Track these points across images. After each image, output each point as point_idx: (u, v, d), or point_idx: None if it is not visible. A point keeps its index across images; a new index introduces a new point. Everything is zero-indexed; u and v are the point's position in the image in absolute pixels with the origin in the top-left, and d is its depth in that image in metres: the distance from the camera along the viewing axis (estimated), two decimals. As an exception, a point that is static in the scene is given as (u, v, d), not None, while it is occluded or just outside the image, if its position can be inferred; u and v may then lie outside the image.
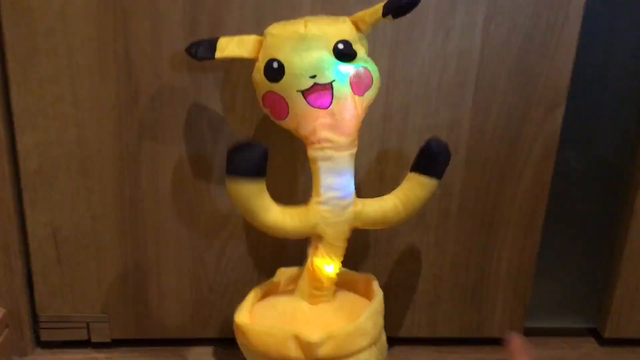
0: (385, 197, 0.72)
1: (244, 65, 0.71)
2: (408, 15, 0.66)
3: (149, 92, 0.77)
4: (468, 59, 0.78)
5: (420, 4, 0.65)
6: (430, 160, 0.71)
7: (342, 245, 0.72)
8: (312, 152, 0.68)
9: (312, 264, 0.72)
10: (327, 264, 0.71)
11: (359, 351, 0.68)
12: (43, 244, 0.82)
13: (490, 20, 0.76)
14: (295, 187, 0.82)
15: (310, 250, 0.72)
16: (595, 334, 0.96)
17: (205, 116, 0.78)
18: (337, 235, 0.70)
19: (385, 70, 0.77)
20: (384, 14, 0.65)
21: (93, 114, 0.77)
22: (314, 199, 0.70)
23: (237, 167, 0.64)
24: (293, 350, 0.66)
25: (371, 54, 0.68)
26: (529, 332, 0.92)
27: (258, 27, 0.70)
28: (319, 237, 0.70)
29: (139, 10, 0.73)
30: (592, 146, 0.89)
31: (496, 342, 0.92)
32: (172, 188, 0.81)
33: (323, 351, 0.65)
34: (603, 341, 0.94)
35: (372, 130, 0.80)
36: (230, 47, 0.68)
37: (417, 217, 0.84)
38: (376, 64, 0.68)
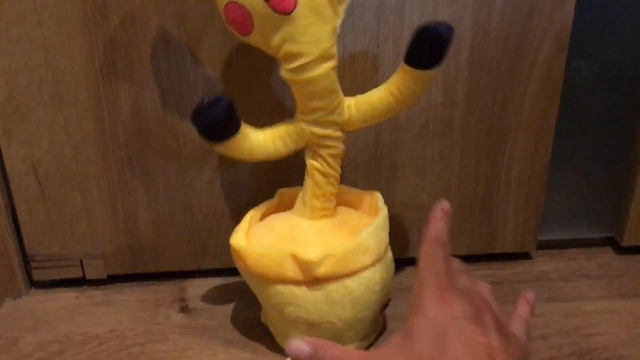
0: (377, 92, 0.66)
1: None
2: None
3: (119, 7, 0.70)
4: (468, -54, 0.70)
5: None
6: (428, 51, 0.60)
7: (337, 151, 0.67)
8: (284, 73, 0.62)
9: (309, 171, 0.68)
10: (324, 169, 0.67)
11: (361, 269, 0.63)
12: (24, 179, 0.78)
13: None
14: (285, 98, 0.76)
15: (306, 157, 0.68)
16: (612, 242, 0.92)
17: (182, 30, 0.72)
18: (330, 143, 0.66)
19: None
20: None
21: (60, 34, 0.71)
22: (299, 116, 0.65)
23: (210, 133, 0.61)
24: (291, 270, 0.62)
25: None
26: (542, 245, 0.88)
27: None
28: (311, 144, 0.66)
29: None
30: (605, 53, 0.81)
31: (508, 257, 0.88)
32: (153, 111, 0.75)
33: (322, 270, 0.61)
34: (620, 249, 0.90)
35: (365, 34, 0.73)
36: None
37: (420, 128, 0.78)
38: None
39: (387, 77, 0.73)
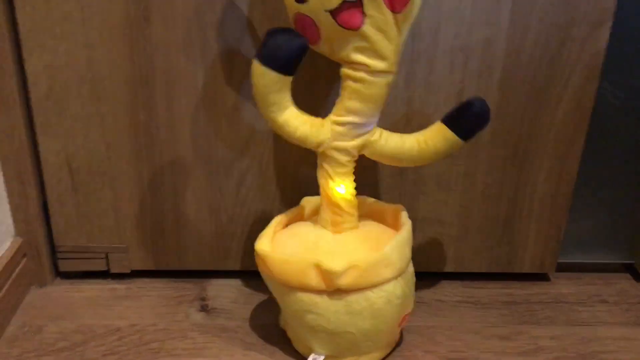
0: (405, 136, 0.68)
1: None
2: None
3: (161, 9, 0.72)
4: (506, -30, 0.71)
5: None
6: (466, 120, 0.66)
7: (348, 165, 0.68)
8: (345, 70, 0.63)
9: (325, 188, 0.69)
10: (336, 185, 0.68)
11: (383, 282, 0.65)
12: (57, 172, 0.80)
13: None
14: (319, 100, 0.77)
15: (318, 172, 0.69)
16: (631, 269, 0.92)
17: (221, 35, 0.73)
18: (341, 156, 0.67)
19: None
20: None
21: (103, 34, 0.73)
22: (331, 116, 0.66)
23: (270, 56, 0.60)
24: (314, 278, 0.63)
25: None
26: (562, 268, 0.89)
27: None
28: (324, 156, 0.67)
29: None
30: (633, 79, 0.81)
31: (527, 277, 0.88)
32: (187, 113, 0.77)
33: (344, 280, 0.62)
34: (639, 277, 0.90)
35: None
36: None
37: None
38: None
39: (417, 95, 0.74)
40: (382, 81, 0.63)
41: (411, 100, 0.77)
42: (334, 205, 0.68)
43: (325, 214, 0.70)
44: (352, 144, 0.66)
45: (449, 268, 0.87)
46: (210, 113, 0.77)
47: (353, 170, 0.69)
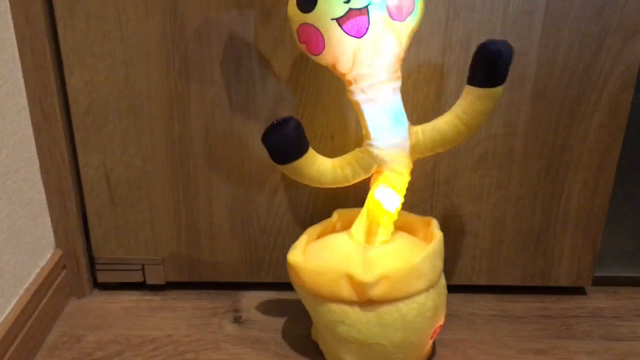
0: (443, 117, 0.67)
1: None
2: None
3: (196, 28, 0.74)
4: (537, -18, 0.71)
5: None
6: (488, 68, 0.63)
7: (403, 178, 0.68)
8: (352, 95, 0.64)
9: (371, 198, 0.69)
10: (387, 199, 0.68)
11: (414, 293, 0.65)
12: (96, 185, 0.82)
13: (563, -62, 0.69)
14: (347, 122, 0.78)
15: (371, 183, 0.69)
16: (671, 284, 0.90)
17: (253, 52, 0.75)
18: (398, 169, 0.67)
19: (444, -5, 0.71)
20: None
21: (140, 51, 0.75)
22: (365, 142, 0.67)
23: (278, 153, 0.64)
24: (345, 289, 0.64)
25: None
26: (598, 281, 0.87)
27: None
28: (379, 172, 0.68)
29: (183, -61, 0.70)
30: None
31: (562, 291, 0.87)
32: (221, 128, 0.79)
33: (376, 291, 0.63)
34: (679, 291, 0.88)
35: (430, 64, 0.75)
36: None
37: (479, 158, 0.79)
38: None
39: (449, 107, 0.74)
40: (389, 91, 0.64)
41: (442, 112, 0.77)
42: (375, 218, 0.69)
43: (363, 226, 0.70)
44: (400, 154, 0.67)
45: (482, 281, 0.86)
46: (243, 127, 0.79)
47: (406, 184, 0.68)
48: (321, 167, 0.67)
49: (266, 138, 0.63)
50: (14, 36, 0.73)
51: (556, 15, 0.72)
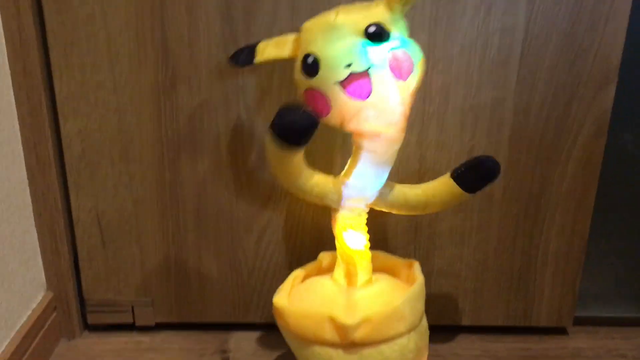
0: (415, 189, 0.71)
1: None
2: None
3: (187, 77, 0.77)
4: (511, 35, 0.75)
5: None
6: (474, 177, 0.69)
7: (359, 218, 0.70)
8: (359, 140, 0.66)
9: (339, 242, 0.71)
10: (352, 240, 0.70)
11: (396, 336, 0.66)
12: (88, 228, 0.84)
13: (535, -6, 0.73)
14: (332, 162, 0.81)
15: (332, 226, 0.71)
16: (651, 323, 0.92)
17: (242, 99, 0.78)
18: (356, 209, 0.70)
19: (424, 48, 0.73)
20: None
21: (133, 100, 0.78)
22: (342, 177, 0.69)
23: (283, 132, 0.62)
24: (329, 332, 0.65)
25: (409, 30, 0.66)
26: (579, 321, 0.89)
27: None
28: (336, 210, 0.70)
29: (175, -6, 0.74)
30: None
31: (544, 331, 0.89)
32: (211, 173, 0.81)
33: (359, 334, 0.64)
34: (659, 331, 0.90)
35: (411, 112, 0.78)
36: (268, 49, 0.68)
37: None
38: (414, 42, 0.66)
39: (429, 154, 0.78)
40: (393, 150, 0.66)
41: (423, 159, 0.80)
42: (349, 258, 0.71)
43: (340, 268, 0.72)
44: (362, 202, 0.69)
45: (465, 321, 0.88)
46: (231, 171, 0.81)
47: (365, 222, 0.71)
48: (299, 167, 0.67)
49: (289, 112, 0.61)
50: (10, 85, 0.76)
51: (530, 65, 0.76)
